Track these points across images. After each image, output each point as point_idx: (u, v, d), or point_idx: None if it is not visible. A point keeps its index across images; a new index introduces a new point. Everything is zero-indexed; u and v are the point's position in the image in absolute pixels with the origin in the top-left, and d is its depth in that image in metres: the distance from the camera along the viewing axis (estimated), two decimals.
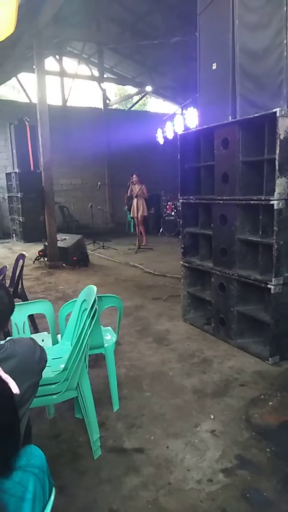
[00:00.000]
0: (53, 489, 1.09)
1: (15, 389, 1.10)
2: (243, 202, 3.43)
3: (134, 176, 9.74)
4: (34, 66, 7.64)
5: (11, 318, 2.49)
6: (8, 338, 1.36)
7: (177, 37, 9.31)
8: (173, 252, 8.14)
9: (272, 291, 3.17)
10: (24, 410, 1.23)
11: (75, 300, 2.57)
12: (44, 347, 2.55)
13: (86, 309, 2.19)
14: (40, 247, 8.36)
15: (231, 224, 3.57)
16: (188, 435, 2.43)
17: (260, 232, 3.35)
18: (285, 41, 3.08)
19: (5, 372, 1.16)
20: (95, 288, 2.32)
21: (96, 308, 2.13)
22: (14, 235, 12.01)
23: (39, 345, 1.40)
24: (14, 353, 1.25)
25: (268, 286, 3.21)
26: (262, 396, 2.83)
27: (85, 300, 2.41)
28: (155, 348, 3.75)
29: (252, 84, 3.45)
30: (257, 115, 3.17)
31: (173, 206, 11.42)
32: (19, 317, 2.56)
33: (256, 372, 3.19)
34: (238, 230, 3.53)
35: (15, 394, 1.09)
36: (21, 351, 1.28)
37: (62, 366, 2.13)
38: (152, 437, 2.42)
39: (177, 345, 3.79)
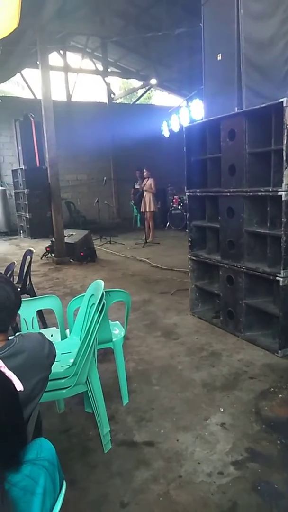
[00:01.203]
0: (64, 482, 1.08)
1: (19, 386, 1.10)
2: (251, 194, 3.40)
3: (145, 170, 9.70)
4: (38, 62, 7.61)
5: (20, 313, 2.51)
6: (17, 334, 1.35)
7: (181, 29, 9.21)
8: (180, 246, 8.11)
9: (280, 284, 3.15)
10: (33, 405, 1.24)
11: (83, 295, 2.57)
12: (53, 342, 2.56)
13: (94, 303, 2.19)
14: (47, 243, 8.39)
15: (238, 217, 3.55)
16: (198, 428, 2.43)
17: (268, 224, 3.32)
18: None
19: (14, 367, 1.16)
20: (102, 282, 2.31)
21: (104, 302, 2.13)
22: (21, 231, 12.05)
23: (48, 340, 1.40)
24: (23, 348, 1.25)
25: (277, 278, 3.18)
26: (272, 389, 2.82)
27: (93, 295, 2.40)
28: (163, 342, 3.75)
29: (258, 74, 3.40)
30: (263, 105, 3.13)
31: (179, 200, 11.37)
32: (28, 312, 2.56)
33: (265, 365, 3.18)
34: (246, 222, 3.51)
35: (20, 391, 1.09)
36: (30, 346, 1.28)
37: (71, 360, 2.13)
38: (162, 431, 2.43)
39: (185, 339, 3.78)
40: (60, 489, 1.05)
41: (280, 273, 3.15)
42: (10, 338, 1.33)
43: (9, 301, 1.32)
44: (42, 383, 1.28)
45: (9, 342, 1.27)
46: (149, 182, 9.51)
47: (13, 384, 1.08)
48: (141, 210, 10.08)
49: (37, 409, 1.35)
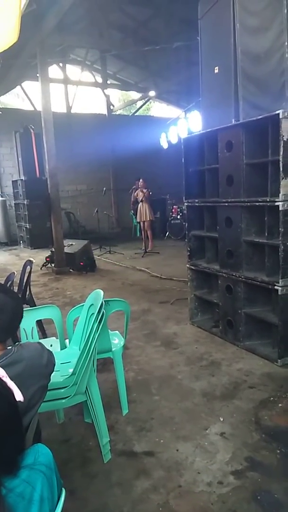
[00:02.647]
0: (63, 489, 1.09)
1: (19, 396, 1.11)
2: (248, 204, 3.44)
3: (141, 180, 9.76)
4: (38, 74, 7.72)
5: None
6: (16, 343, 1.37)
7: (179, 42, 9.36)
8: (179, 255, 8.14)
9: (279, 293, 3.17)
10: (32, 413, 1.24)
11: (83, 305, 2.59)
12: (52, 352, 2.57)
13: (93, 313, 2.21)
14: (47, 253, 8.42)
15: (236, 226, 3.58)
16: (197, 438, 2.43)
17: (266, 234, 3.35)
18: (286, 43, 3.09)
19: (13, 376, 1.17)
20: (102, 292, 2.33)
21: (103, 312, 2.15)
22: (21, 241, 12.09)
23: (47, 349, 1.41)
24: (21, 357, 1.27)
25: (275, 287, 3.20)
26: (272, 398, 2.82)
27: (92, 304, 2.42)
28: (163, 351, 3.75)
29: (255, 86, 3.46)
30: (260, 117, 3.18)
31: (178, 210, 11.43)
32: (27, 322, 2.58)
33: (265, 374, 3.18)
34: (244, 232, 3.53)
35: (19, 401, 1.10)
36: (28, 355, 1.29)
37: (71, 370, 2.14)
38: (161, 440, 2.43)
39: (185, 348, 3.79)
40: (59, 496, 1.06)
41: (278, 282, 3.17)
42: (8, 347, 1.35)
43: (13, 312, 1.34)
44: (41, 392, 1.29)
45: (7, 351, 1.29)
46: (147, 192, 9.56)
47: (13, 394, 1.10)
48: (138, 220, 10.13)
49: (36, 418, 1.36)
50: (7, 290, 1.48)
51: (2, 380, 1.09)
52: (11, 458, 0.99)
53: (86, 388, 2.18)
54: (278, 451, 2.26)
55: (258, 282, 3.41)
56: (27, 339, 2.56)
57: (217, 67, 3.83)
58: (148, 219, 9.70)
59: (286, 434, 2.43)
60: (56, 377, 2.18)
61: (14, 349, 1.29)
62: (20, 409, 1.09)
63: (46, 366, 1.34)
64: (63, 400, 2.11)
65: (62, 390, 2.09)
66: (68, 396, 2.11)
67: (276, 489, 1.98)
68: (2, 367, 1.18)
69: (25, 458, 1.02)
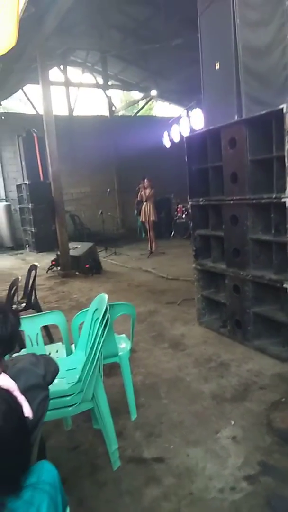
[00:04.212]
0: (68, 507, 1.05)
1: (28, 412, 1.07)
2: (254, 201, 3.37)
3: (146, 180, 9.71)
4: (39, 78, 7.70)
5: (24, 329, 2.50)
6: (10, 358, 1.32)
7: (179, 40, 9.29)
8: (185, 255, 8.07)
9: None
10: (38, 428, 1.20)
11: (87, 310, 2.55)
12: (57, 358, 2.53)
13: (98, 318, 2.16)
14: (53, 256, 8.39)
15: (242, 224, 3.52)
16: (208, 443, 2.37)
17: (273, 231, 3.28)
18: (287, 37, 3.02)
19: None
20: (106, 296, 2.29)
21: (108, 316, 2.10)
22: (27, 245, 12.10)
23: (44, 358, 1.36)
24: (18, 373, 1.22)
25: (284, 285, 3.14)
26: (283, 399, 2.76)
27: (97, 309, 2.38)
28: (171, 353, 3.70)
29: (257, 81, 3.40)
30: (263, 112, 3.12)
31: (183, 209, 11.36)
32: (32, 328, 2.54)
33: (275, 375, 3.12)
34: (250, 230, 3.47)
35: (28, 417, 1.06)
36: (25, 370, 1.25)
37: (77, 377, 2.10)
38: (171, 446, 2.38)
39: (193, 350, 3.73)
40: None
41: (287, 280, 3.11)
42: (5, 358, 1.30)
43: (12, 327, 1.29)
44: (44, 404, 1.25)
45: (3, 370, 1.24)
46: (152, 192, 9.51)
47: (22, 410, 1.06)
48: (142, 220, 10.07)
49: (39, 432, 1.31)
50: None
51: (13, 395, 1.05)
52: (15, 478, 0.95)
53: (93, 395, 2.13)
54: None
55: (266, 280, 3.34)
56: (32, 345, 2.53)
57: (218, 63, 3.78)
58: (152, 219, 9.65)
59: None
60: (62, 384, 2.15)
61: (9, 365, 1.25)
62: (28, 426, 1.05)
63: (44, 377, 1.29)
64: (70, 408, 2.07)
65: (68, 398, 2.05)
66: (75, 404, 2.07)
67: None
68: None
69: (29, 476, 0.98)
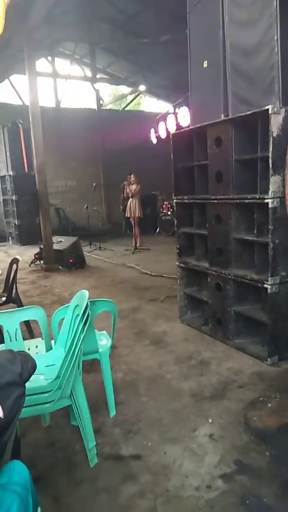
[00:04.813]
0: (39, 508, 1.03)
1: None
2: (238, 201, 3.39)
3: (132, 176, 9.67)
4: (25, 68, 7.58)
5: (3, 324, 2.46)
6: None
7: (167, 36, 9.25)
8: (170, 252, 8.05)
9: (268, 291, 3.13)
10: (11, 429, 1.18)
11: (68, 306, 2.52)
12: (36, 354, 2.50)
13: (78, 314, 2.14)
14: (36, 249, 8.31)
15: (226, 224, 3.53)
16: (186, 440, 2.38)
17: (256, 231, 3.31)
18: (275, 37, 3.03)
19: None
20: (87, 292, 2.27)
21: (88, 313, 2.08)
22: (10, 238, 11.95)
23: (21, 354, 1.34)
24: None
25: (265, 285, 3.17)
26: (261, 398, 2.79)
27: (77, 305, 2.35)
28: (152, 350, 3.71)
29: (244, 81, 3.40)
30: (249, 112, 3.13)
31: (169, 206, 11.37)
32: (11, 323, 2.51)
33: (254, 373, 3.15)
34: (233, 229, 3.49)
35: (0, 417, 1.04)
36: (0, 367, 1.23)
37: (56, 373, 2.08)
38: (149, 443, 2.38)
39: (174, 347, 3.74)
40: None
41: (268, 280, 3.14)
42: None
43: None
44: (19, 402, 1.23)
45: None
46: (138, 188, 9.49)
47: None
48: (127, 215, 10.05)
49: (14, 430, 1.30)
50: None
51: None
52: None
53: (71, 391, 2.12)
54: (267, 453, 2.22)
55: (248, 280, 3.37)
56: (10, 341, 2.49)
57: (206, 62, 3.76)
58: (137, 215, 9.63)
59: (275, 436, 2.40)
60: (40, 381, 2.12)
61: None
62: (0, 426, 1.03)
63: (21, 374, 1.27)
64: (47, 405, 2.05)
65: (46, 395, 2.03)
66: (53, 401, 2.05)
67: (265, 493, 1.95)
68: None
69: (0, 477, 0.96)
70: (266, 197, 3.04)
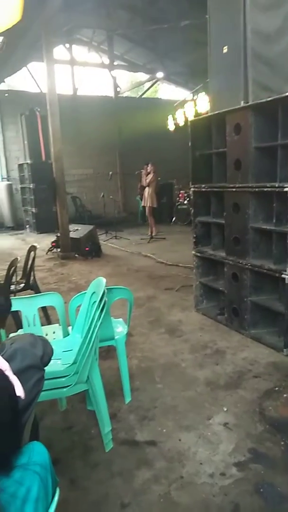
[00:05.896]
0: (57, 489, 1.05)
1: (19, 392, 1.07)
2: (256, 189, 3.34)
3: (150, 165, 9.62)
4: (43, 55, 7.56)
5: (22, 310, 2.50)
6: (10, 336, 1.32)
7: (186, 21, 9.09)
8: (186, 241, 8.05)
9: (286, 281, 3.10)
10: (30, 410, 1.21)
11: (85, 292, 2.54)
12: (53, 340, 2.54)
13: (95, 301, 2.16)
14: (53, 237, 8.38)
15: (244, 213, 3.49)
16: (200, 428, 2.40)
17: (274, 220, 3.26)
18: None
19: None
20: (104, 280, 2.28)
21: (105, 300, 2.10)
22: (27, 226, 12.06)
23: (42, 339, 1.36)
24: (15, 353, 1.22)
25: (283, 275, 3.13)
26: (277, 388, 2.78)
27: (94, 292, 2.37)
28: (167, 339, 3.72)
29: (265, 67, 3.33)
30: (270, 99, 3.06)
31: (185, 195, 11.29)
32: (29, 309, 2.54)
33: (270, 364, 3.14)
34: (251, 218, 3.45)
35: (19, 397, 1.06)
36: (22, 349, 1.25)
37: (73, 359, 2.11)
38: (164, 430, 2.40)
39: (189, 336, 3.75)
40: (53, 495, 1.02)
41: (286, 271, 3.10)
42: (2, 341, 1.30)
43: None
44: (38, 385, 1.25)
45: (0, 349, 1.24)
46: (152, 177, 9.45)
47: (14, 389, 1.06)
48: (143, 205, 10.04)
49: (33, 412, 1.32)
50: None
51: (5, 374, 1.05)
52: (6, 457, 0.95)
53: (88, 377, 2.14)
54: (282, 443, 2.22)
55: (265, 270, 3.33)
56: (28, 326, 2.53)
57: (226, 47, 3.69)
58: (149, 205, 9.60)
59: None
60: (57, 365, 2.16)
61: (7, 345, 1.25)
62: (20, 406, 1.05)
63: (42, 357, 1.29)
64: (64, 389, 2.08)
65: (63, 379, 2.06)
66: (69, 385, 2.08)
67: (279, 482, 1.95)
68: None
69: (20, 457, 0.98)
70: (286, 185, 2.99)
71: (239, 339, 3.60)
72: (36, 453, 1.01)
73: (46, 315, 3.98)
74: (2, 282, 3.91)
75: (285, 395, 2.69)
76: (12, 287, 3.84)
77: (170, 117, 10.72)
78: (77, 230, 8.12)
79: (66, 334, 2.69)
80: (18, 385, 1.10)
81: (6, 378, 1.02)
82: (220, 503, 1.85)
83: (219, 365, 3.16)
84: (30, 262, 4.21)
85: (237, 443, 2.24)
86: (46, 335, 2.69)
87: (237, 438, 2.28)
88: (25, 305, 2.56)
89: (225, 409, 2.56)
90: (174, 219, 11.80)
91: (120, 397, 2.73)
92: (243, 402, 2.63)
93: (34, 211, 11.14)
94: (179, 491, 1.94)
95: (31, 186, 11.06)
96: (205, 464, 2.10)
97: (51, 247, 8.14)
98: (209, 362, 3.22)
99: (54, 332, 2.77)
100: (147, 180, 9.55)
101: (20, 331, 2.65)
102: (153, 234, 9.52)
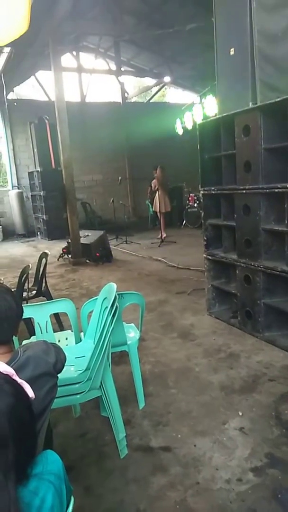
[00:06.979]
0: (72, 497, 1.04)
1: (30, 393, 1.07)
2: (267, 190, 3.31)
3: (158, 169, 9.62)
4: (51, 64, 7.63)
5: (34, 317, 2.50)
6: (23, 343, 1.32)
7: (193, 24, 9.10)
8: (196, 244, 8.01)
9: None
10: (44, 417, 1.20)
11: (96, 298, 2.54)
12: (66, 346, 2.54)
13: (107, 307, 2.16)
14: (64, 244, 8.41)
15: (255, 214, 3.46)
16: (216, 433, 2.37)
17: (286, 221, 3.22)
18: None
19: (24, 380, 1.12)
20: (115, 285, 2.27)
21: (117, 305, 2.09)
22: (38, 233, 12.15)
23: (55, 346, 1.36)
24: (28, 360, 1.22)
25: None
26: None
27: (106, 298, 2.37)
28: (180, 343, 3.69)
29: (272, 67, 3.31)
30: (278, 99, 3.04)
31: (195, 198, 11.26)
32: (42, 316, 2.55)
33: (285, 367, 3.09)
34: (263, 220, 3.42)
35: (32, 398, 1.05)
36: (35, 358, 1.25)
37: (85, 365, 2.10)
38: (179, 435, 2.38)
39: (202, 340, 3.72)
40: (68, 503, 1.01)
41: None
42: (15, 348, 1.30)
43: (10, 311, 1.28)
44: (52, 392, 1.25)
45: (13, 357, 1.24)
46: (154, 181, 9.49)
47: (25, 391, 1.05)
48: (153, 209, 10.06)
49: (47, 419, 1.32)
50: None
51: (13, 379, 1.04)
52: (22, 466, 0.94)
53: (101, 383, 2.14)
54: None
55: (278, 271, 3.30)
56: (41, 333, 2.53)
57: (232, 49, 3.68)
58: (158, 210, 9.61)
59: None
60: (70, 372, 2.15)
61: (20, 352, 1.24)
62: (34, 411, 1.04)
63: (55, 365, 1.29)
64: (78, 396, 2.08)
65: (76, 386, 2.06)
66: (83, 392, 2.07)
67: None
68: None
69: (34, 466, 0.97)
70: None
71: (253, 342, 3.56)
72: (50, 462, 1.00)
73: (59, 321, 3.99)
74: (14, 289, 3.93)
75: None
76: (24, 294, 3.86)
77: (178, 121, 10.72)
78: (88, 236, 8.15)
79: (78, 340, 2.69)
80: (28, 387, 1.10)
81: (14, 381, 1.01)
82: (237, 510, 1.82)
83: (233, 369, 3.12)
84: (41, 269, 4.23)
85: (253, 448, 2.21)
86: (59, 341, 2.69)
87: (253, 443, 2.25)
88: (37, 312, 2.56)
89: (240, 414, 2.53)
90: (184, 222, 11.76)
91: (133, 403, 2.72)
92: (258, 406, 2.59)
93: (45, 218, 11.21)
94: (195, 497, 1.91)
95: (41, 194, 11.14)
96: (221, 469, 2.08)
97: (62, 253, 8.17)
98: (223, 366, 3.18)
99: (66, 339, 2.77)
100: (154, 185, 9.59)
101: (32, 338, 2.66)
102: (163, 238, 9.50)
